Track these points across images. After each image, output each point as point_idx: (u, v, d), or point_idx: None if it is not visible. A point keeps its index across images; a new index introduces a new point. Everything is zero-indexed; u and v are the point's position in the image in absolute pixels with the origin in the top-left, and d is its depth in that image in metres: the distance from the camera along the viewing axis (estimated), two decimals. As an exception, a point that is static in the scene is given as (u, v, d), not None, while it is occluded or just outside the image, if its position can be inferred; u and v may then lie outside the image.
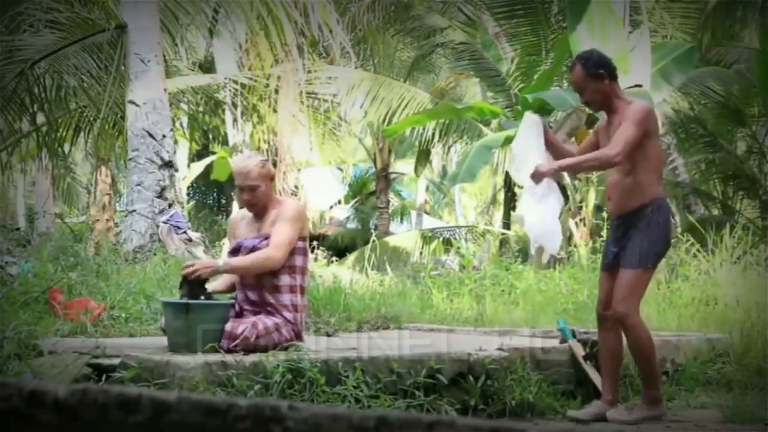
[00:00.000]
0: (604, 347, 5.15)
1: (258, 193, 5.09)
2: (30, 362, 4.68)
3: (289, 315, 5.03)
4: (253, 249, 5.04)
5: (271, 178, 5.15)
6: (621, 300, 4.92)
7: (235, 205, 17.75)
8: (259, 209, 5.17)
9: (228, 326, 4.81)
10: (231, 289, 5.26)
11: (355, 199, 24.83)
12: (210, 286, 5.08)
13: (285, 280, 5.06)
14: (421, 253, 15.54)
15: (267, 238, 5.04)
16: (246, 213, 5.26)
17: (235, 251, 5.16)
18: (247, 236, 5.15)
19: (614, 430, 4.85)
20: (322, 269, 11.75)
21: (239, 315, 5.02)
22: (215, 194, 27.41)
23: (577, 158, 5.11)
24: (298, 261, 5.10)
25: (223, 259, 5.28)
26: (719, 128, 13.01)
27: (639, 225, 4.92)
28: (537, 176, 5.02)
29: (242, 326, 4.84)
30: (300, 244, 5.11)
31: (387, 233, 18.57)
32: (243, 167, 5.13)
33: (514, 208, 19.90)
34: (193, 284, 4.90)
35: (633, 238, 4.92)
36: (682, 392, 5.71)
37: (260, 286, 5.06)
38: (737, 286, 8.15)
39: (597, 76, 4.96)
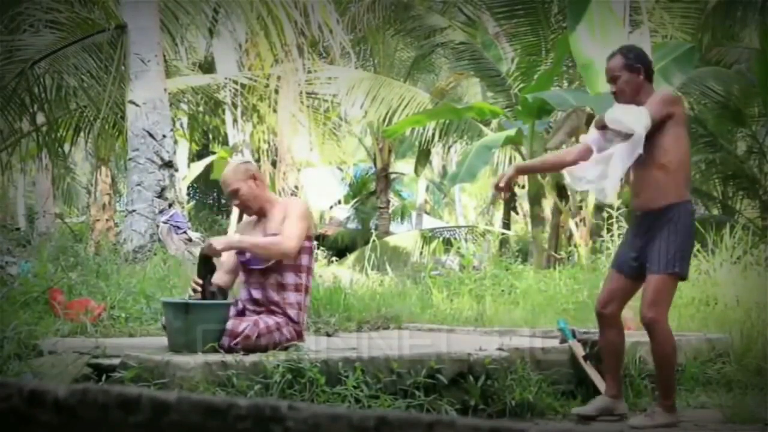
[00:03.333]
0: (606, 343, 5.13)
1: (241, 195, 5.10)
2: (30, 362, 4.68)
3: (293, 313, 5.03)
4: None
5: (252, 177, 5.11)
6: (650, 305, 4.84)
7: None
8: (257, 210, 5.17)
9: (229, 324, 4.82)
10: (227, 286, 5.25)
11: (355, 199, 24.84)
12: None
13: (290, 278, 5.06)
14: (421, 253, 15.54)
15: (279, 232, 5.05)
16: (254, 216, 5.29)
17: (241, 252, 5.17)
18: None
19: (615, 430, 4.85)
20: (322, 269, 11.76)
21: (241, 313, 5.03)
22: (215, 194, 27.41)
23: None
24: (304, 260, 5.10)
25: (239, 235, 5.27)
26: (719, 128, 13.01)
27: (666, 226, 4.81)
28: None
29: (244, 324, 4.84)
30: (307, 243, 5.10)
31: (387, 233, 18.58)
32: (221, 178, 5.21)
33: (514, 208, 19.91)
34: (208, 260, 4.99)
35: (658, 239, 4.81)
36: (682, 392, 5.70)
37: (265, 284, 5.06)
38: (737, 286, 8.15)
39: (634, 69, 4.93)
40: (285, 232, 4.98)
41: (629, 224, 5.13)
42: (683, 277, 4.97)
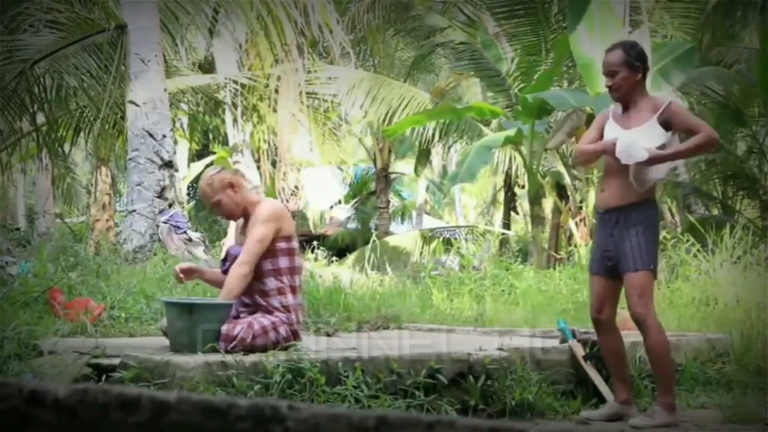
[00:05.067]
0: (608, 350, 5.13)
1: (223, 206, 5.12)
2: (30, 362, 4.68)
3: (282, 316, 5.03)
4: (237, 257, 5.05)
5: (230, 186, 5.10)
6: (637, 302, 4.86)
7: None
8: (240, 216, 5.20)
9: (224, 328, 4.80)
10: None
11: (355, 199, 24.84)
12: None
13: (271, 283, 5.04)
14: (421, 253, 15.54)
15: None
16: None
17: (224, 259, 5.21)
18: (236, 243, 5.19)
19: (615, 430, 4.85)
20: (322, 269, 11.75)
21: (236, 317, 5.02)
22: (215, 194, 27.37)
23: (687, 144, 4.90)
24: (282, 263, 5.07)
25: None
26: (719, 128, 12.98)
27: (637, 223, 4.85)
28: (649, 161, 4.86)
29: (238, 327, 4.83)
30: (282, 245, 5.06)
31: (387, 233, 18.58)
32: (199, 192, 5.22)
33: (514, 208, 19.91)
34: None
35: (628, 239, 4.85)
36: (682, 392, 5.70)
37: (250, 290, 5.06)
38: (737, 286, 8.15)
39: (634, 67, 4.93)
40: (243, 249, 5.00)
41: (597, 224, 5.14)
42: (656, 275, 5.03)
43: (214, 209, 5.21)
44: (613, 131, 4.99)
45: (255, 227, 5.01)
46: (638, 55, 4.98)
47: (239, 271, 4.97)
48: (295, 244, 5.23)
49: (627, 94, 4.97)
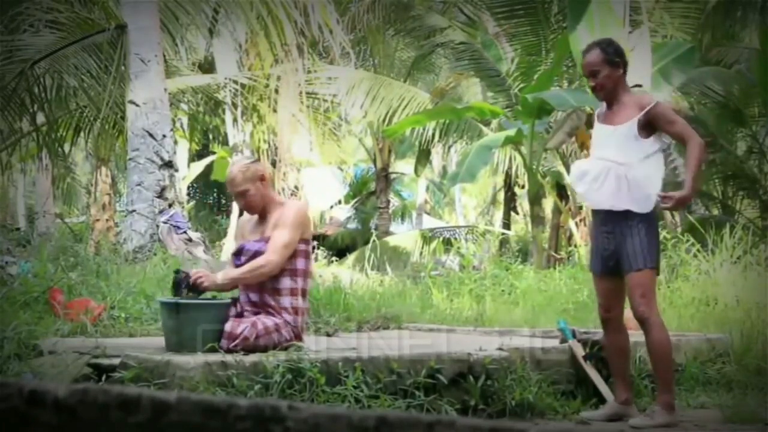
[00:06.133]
0: (614, 349, 5.12)
1: (249, 196, 5.08)
2: (30, 362, 4.68)
3: (288, 317, 5.02)
4: (256, 253, 5.03)
5: (261, 178, 5.10)
6: (640, 302, 4.86)
7: (235, 204, 17.77)
8: (260, 211, 5.15)
9: (228, 326, 4.81)
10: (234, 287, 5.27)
11: (355, 199, 24.85)
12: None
13: (286, 282, 5.04)
14: (421, 253, 15.55)
15: (269, 241, 5.04)
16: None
17: (237, 253, 5.17)
18: (251, 238, 5.14)
19: (615, 430, 4.85)
20: (322, 269, 11.75)
21: (240, 315, 5.02)
22: (215, 194, 27.43)
23: (693, 164, 4.83)
24: (300, 264, 5.08)
25: (223, 271, 5.22)
26: (719, 128, 13.00)
27: (635, 225, 4.85)
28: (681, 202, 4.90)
29: (242, 326, 4.83)
30: (302, 246, 5.08)
31: (387, 233, 18.58)
32: (228, 176, 5.17)
33: (514, 208, 19.91)
34: (190, 289, 4.94)
35: (630, 238, 4.84)
36: (682, 392, 5.70)
37: (261, 288, 5.05)
38: (737, 286, 8.15)
39: (614, 64, 4.93)
40: (269, 246, 4.97)
41: (594, 223, 5.13)
42: (659, 272, 5.06)
43: (239, 198, 5.14)
44: (599, 132, 5.02)
45: (283, 230, 4.98)
46: (616, 51, 4.99)
47: (262, 269, 4.94)
48: (312, 247, 5.23)
49: (611, 91, 4.98)
